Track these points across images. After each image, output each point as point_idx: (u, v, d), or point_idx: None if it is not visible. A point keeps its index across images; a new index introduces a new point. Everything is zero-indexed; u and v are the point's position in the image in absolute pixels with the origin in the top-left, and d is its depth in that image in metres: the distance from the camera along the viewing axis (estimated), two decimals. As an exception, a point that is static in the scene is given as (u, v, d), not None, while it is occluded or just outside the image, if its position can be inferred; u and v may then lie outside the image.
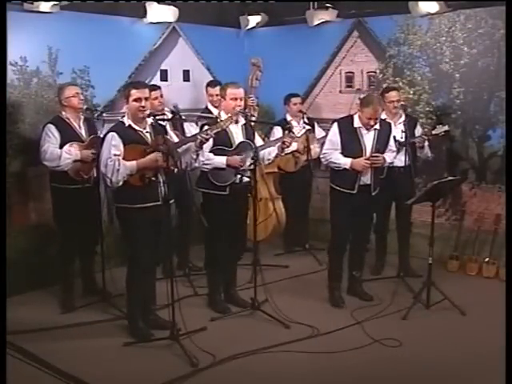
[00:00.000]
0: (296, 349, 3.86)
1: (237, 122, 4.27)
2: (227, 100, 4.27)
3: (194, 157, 4.13)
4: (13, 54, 4.61)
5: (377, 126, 4.36)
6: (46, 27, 4.83)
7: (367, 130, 4.35)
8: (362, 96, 5.16)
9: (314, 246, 5.90)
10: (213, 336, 4.06)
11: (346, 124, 4.41)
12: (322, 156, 4.53)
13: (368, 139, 4.37)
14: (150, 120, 3.88)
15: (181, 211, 5.20)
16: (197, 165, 4.25)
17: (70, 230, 4.50)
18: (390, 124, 4.57)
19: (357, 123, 4.37)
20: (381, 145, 4.40)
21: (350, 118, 4.45)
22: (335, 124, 4.45)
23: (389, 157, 4.46)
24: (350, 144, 4.36)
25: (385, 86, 5.71)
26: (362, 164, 4.29)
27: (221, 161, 4.21)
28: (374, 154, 4.32)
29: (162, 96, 5.03)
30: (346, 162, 4.33)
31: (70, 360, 3.71)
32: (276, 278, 5.06)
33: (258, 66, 5.14)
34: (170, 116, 4.91)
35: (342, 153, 4.37)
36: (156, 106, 4.89)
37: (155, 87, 5.02)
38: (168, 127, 4.60)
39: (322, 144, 4.85)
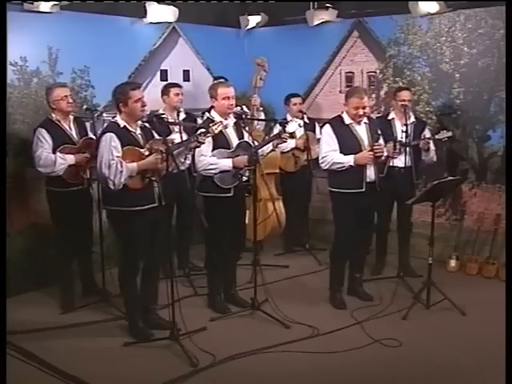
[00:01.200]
0: (296, 349, 3.86)
1: (226, 126, 4.21)
2: (219, 100, 4.24)
3: (182, 160, 4.13)
4: (13, 54, 4.61)
5: (366, 121, 4.37)
6: (46, 27, 4.83)
7: (358, 123, 4.35)
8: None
9: (314, 246, 5.91)
10: (213, 336, 4.06)
11: (337, 123, 4.39)
12: (321, 160, 4.43)
13: (362, 133, 4.36)
14: (139, 122, 3.88)
15: (181, 211, 5.21)
16: (183, 168, 4.25)
17: (68, 231, 4.49)
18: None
19: (347, 120, 4.36)
20: (376, 135, 4.40)
21: (340, 117, 4.42)
22: (327, 125, 4.41)
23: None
24: (347, 141, 4.33)
25: (385, 85, 5.73)
26: (367, 156, 4.26)
27: (227, 163, 4.19)
28: (375, 144, 4.30)
29: (182, 94, 5.16)
30: (349, 160, 4.28)
31: (70, 360, 3.71)
32: (276, 278, 5.07)
33: (263, 65, 5.14)
34: (183, 116, 5.11)
35: (340, 152, 4.34)
36: (175, 102, 5.06)
37: (175, 85, 5.17)
38: (176, 129, 4.65)
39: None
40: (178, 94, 5.10)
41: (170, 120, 4.84)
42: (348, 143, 4.34)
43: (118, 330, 4.16)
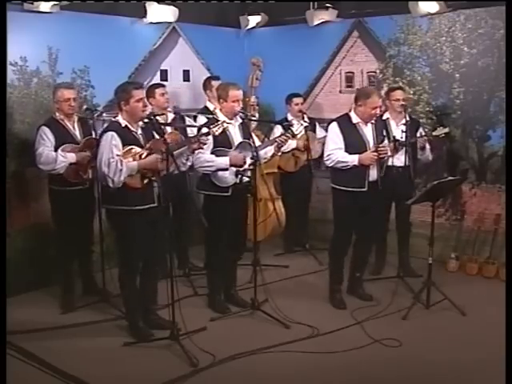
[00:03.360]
0: (296, 349, 3.86)
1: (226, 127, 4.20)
2: (229, 102, 4.23)
3: (184, 161, 4.12)
4: (13, 54, 4.61)
5: (372, 121, 4.39)
6: (46, 27, 4.83)
7: (365, 124, 4.38)
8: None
9: (314, 246, 5.90)
10: (213, 336, 4.05)
11: (345, 122, 4.41)
12: (326, 158, 4.45)
13: (368, 133, 4.39)
14: (140, 122, 3.88)
15: (181, 211, 5.20)
16: (184, 169, 4.24)
17: (68, 230, 4.49)
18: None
19: (355, 119, 4.38)
20: (381, 136, 4.43)
21: (347, 116, 4.44)
22: (334, 123, 4.43)
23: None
24: (353, 141, 4.36)
25: (385, 85, 5.73)
26: (371, 157, 4.29)
27: (224, 161, 4.18)
28: (379, 145, 4.33)
29: (167, 93, 5.02)
30: (353, 159, 4.31)
31: (70, 360, 3.71)
32: (276, 278, 5.07)
33: (258, 65, 5.15)
34: (172, 116, 4.99)
35: (346, 151, 4.36)
36: (162, 102, 4.93)
37: (159, 85, 5.05)
38: (168, 129, 4.62)
39: (323, 144, 4.83)
40: (163, 94, 4.93)
41: (160, 121, 4.77)
42: (354, 142, 4.36)
43: (117, 330, 4.16)
